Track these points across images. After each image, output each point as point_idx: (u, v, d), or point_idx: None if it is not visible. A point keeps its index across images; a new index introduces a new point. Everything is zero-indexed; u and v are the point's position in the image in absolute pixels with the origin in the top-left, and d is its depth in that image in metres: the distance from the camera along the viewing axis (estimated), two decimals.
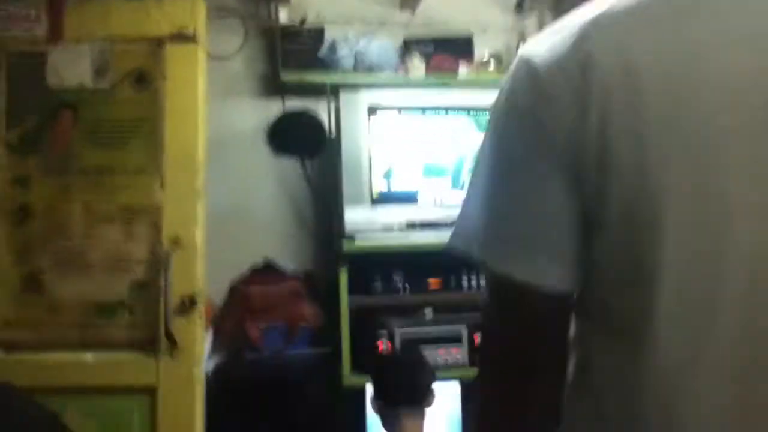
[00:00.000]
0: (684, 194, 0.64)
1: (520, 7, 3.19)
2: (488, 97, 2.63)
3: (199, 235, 2.15)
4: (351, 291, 2.54)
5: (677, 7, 0.68)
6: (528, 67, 0.70)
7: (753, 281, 0.65)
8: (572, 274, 0.70)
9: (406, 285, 2.61)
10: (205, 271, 2.16)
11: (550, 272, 0.70)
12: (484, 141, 0.76)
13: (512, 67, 0.74)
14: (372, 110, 2.64)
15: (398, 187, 2.65)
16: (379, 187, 2.62)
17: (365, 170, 2.59)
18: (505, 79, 0.75)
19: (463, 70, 2.93)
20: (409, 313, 2.60)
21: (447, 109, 2.75)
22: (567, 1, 3.05)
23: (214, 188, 2.34)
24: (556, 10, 3.20)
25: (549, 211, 0.69)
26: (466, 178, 2.71)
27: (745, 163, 0.65)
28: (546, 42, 0.71)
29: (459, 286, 2.66)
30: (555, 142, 0.67)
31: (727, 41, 0.66)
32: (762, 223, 0.65)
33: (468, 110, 2.77)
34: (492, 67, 3.01)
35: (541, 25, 3.21)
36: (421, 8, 3.10)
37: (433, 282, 2.62)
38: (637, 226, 0.65)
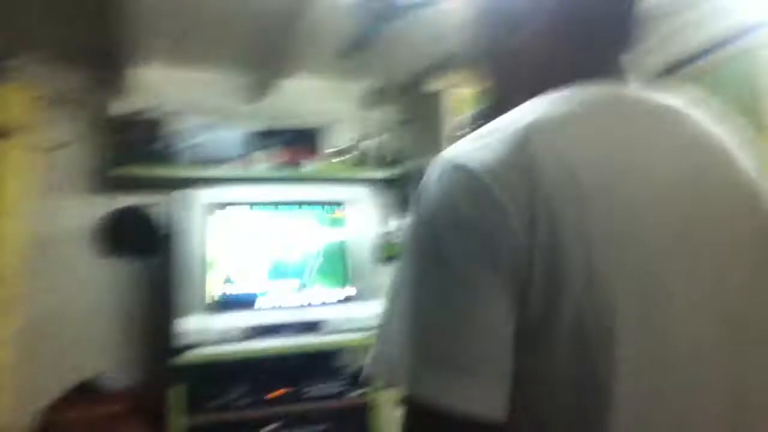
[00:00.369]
0: (633, 307, 0.62)
1: (367, 101, 3.17)
2: (337, 191, 2.58)
3: (6, 357, 1.86)
4: (186, 409, 2.28)
5: (612, 116, 0.70)
6: (465, 174, 0.64)
7: (704, 385, 0.65)
8: (507, 399, 0.62)
9: (249, 398, 2.38)
10: (12, 399, 1.85)
11: (493, 399, 0.61)
12: (405, 258, 0.67)
13: (437, 173, 0.66)
14: (212, 207, 2.47)
15: (239, 290, 2.46)
16: (218, 291, 2.42)
17: (202, 273, 2.39)
18: (426, 186, 0.67)
19: (310, 163, 2.83)
20: (253, 430, 2.36)
21: (296, 204, 2.64)
22: (414, 95, 3.12)
23: (34, 295, 2.05)
24: (403, 105, 3.22)
25: (494, 331, 0.61)
26: (311, 277, 2.58)
27: (685, 265, 0.66)
28: (477, 147, 0.65)
29: (308, 395, 2.47)
30: (501, 253, 0.61)
31: (659, 154, 0.69)
32: (706, 321, 0.66)
33: (317, 205, 2.66)
34: (340, 160, 2.95)
35: (386, 118, 3.21)
36: (267, 100, 3.01)
37: (279, 393, 2.42)
38: (587, 342, 0.61)
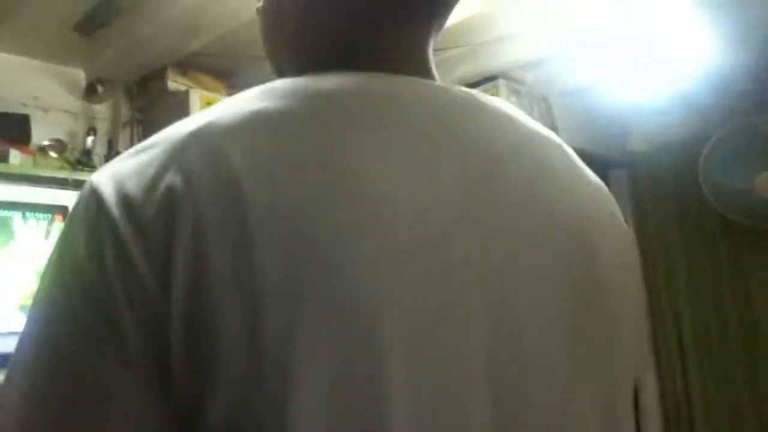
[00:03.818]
0: (322, 377, 0.42)
1: (90, 92, 2.72)
2: (49, 193, 2.13)
3: None
4: None
5: (329, 127, 0.49)
6: (93, 201, 0.47)
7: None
8: None
9: None
10: None
11: None
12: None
13: (78, 196, 0.49)
14: None
15: None
16: None
17: None
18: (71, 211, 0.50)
19: (17, 155, 2.31)
20: None
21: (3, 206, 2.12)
22: (154, 91, 2.76)
23: None
24: (134, 99, 2.83)
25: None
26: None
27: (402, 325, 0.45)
28: (130, 165, 0.48)
29: None
30: (121, 314, 0.43)
31: (391, 162, 0.48)
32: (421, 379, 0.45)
33: (23, 207, 2.17)
34: (53, 154, 2.46)
35: (115, 114, 2.79)
36: None
37: None
38: None
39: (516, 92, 3.09)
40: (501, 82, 3.00)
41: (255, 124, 0.47)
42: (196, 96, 2.62)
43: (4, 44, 2.45)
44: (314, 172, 0.46)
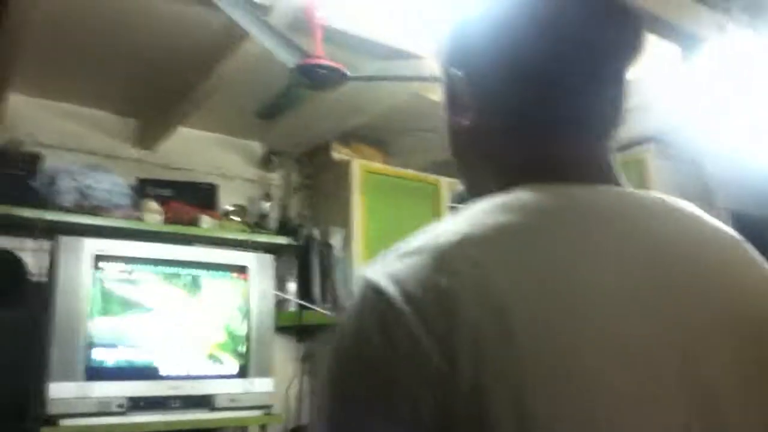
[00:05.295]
0: None
1: (266, 161, 3.05)
2: (236, 255, 2.39)
3: None
4: None
5: (561, 228, 0.59)
6: (377, 297, 0.55)
7: None
8: None
9: None
10: None
11: None
12: (322, 390, 0.58)
13: (356, 294, 0.57)
14: (98, 258, 2.20)
15: (124, 356, 2.19)
16: (99, 355, 2.13)
17: (82, 333, 2.09)
18: (348, 308, 0.58)
19: (206, 220, 2.64)
20: None
21: (194, 265, 2.42)
22: (319, 162, 3.04)
23: None
24: (306, 170, 3.13)
25: None
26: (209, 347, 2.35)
27: (647, 409, 0.53)
28: (400, 267, 0.56)
29: None
30: (410, 398, 0.51)
31: (613, 287, 0.57)
32: None
33: (217, 268, 2.46)
34: (236, 218, 2.78)
35: (287, 182, 3.10)
36: (160, 147, 2.79)
37: None
38: None
39: (666, 156, 3.08)
40: (652, 145, 3.01)
41: (502, 237, 0.57)
42: (356, 164, 2.88)
43: (199, 123, 2.83)
44: (551, 287, 0.55)
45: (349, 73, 1.89)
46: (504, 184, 0.64)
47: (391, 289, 0.54)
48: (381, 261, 0.58)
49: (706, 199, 3.00)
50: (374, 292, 0.55)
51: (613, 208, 0.63)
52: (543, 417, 0.50)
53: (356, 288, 0.58)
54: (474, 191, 0.70)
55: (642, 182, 2.86)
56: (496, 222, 0.58)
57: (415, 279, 0.54)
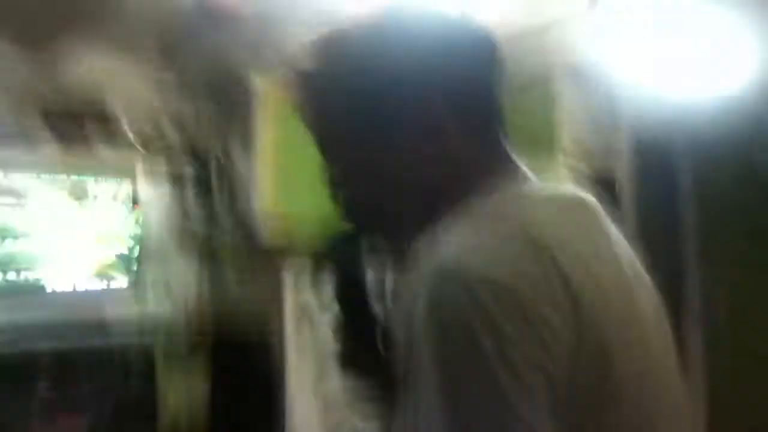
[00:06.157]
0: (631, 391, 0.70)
1: (172, 90, 2.94)
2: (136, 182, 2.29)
3: None
4: None
5: (566, 210, 0.77)
6: (492, 289, 0.61)
7: None
8: None
9: None
10: None
11: None
12: (435, 394, 0.62)
13: (451, 291, 0.61)
14: None
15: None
16: None
17: None
18: (436, 309, 0.62)
19: (107, 149, 2.55)
20: None
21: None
22: (226, 91, 2.94)
23: None
24: (212, 99, 3.03)
25: None
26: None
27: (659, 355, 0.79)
28: (485, 255, 0.65)
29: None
30: (550, 374, 0.62)
31: (600, 244, 0.78)
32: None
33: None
34: (140, 148, 2.69)
35: (192, 112, 3.00)
36: (55, 75, 2.63)
37: None
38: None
39: (578, 87, 3.08)
40: (566, 78, 3.01)
41: (554, 220, 0.71)
42: (265, 97, 2.79)
43: (93, 46, 2.68)
44: (589, 255, 0.71)
45: None
46: (469, 193, 0.75)
47: (497, 275, 0.63)
48: (451, 254, 0.65)
49: (613, 125, 3.05)
50: (481, 282, 0.61)
51: (563, 193, 0.83)
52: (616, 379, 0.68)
53: (440, 287, 0.62)
54: (403, 234, 0.78)
55: (556, 112, 2.88)
56: (546, 211, 0.73)
57: (513, 261, 0.64)
